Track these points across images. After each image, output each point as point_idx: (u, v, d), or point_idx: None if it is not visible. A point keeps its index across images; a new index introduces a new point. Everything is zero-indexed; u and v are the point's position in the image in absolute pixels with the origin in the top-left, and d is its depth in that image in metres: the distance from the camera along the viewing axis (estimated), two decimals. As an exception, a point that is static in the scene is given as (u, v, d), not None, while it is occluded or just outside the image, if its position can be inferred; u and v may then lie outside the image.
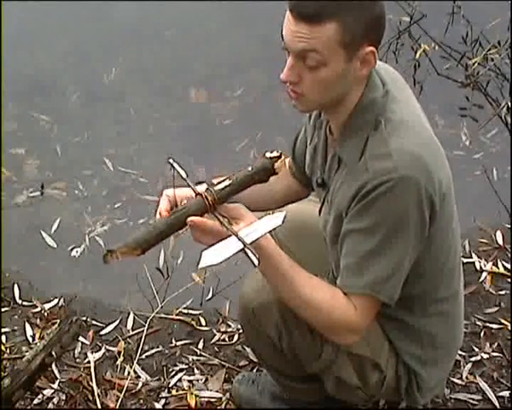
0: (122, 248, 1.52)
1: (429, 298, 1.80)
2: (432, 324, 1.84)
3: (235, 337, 2.51)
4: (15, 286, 2.73)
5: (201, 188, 1.61)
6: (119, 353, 2.45)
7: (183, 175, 1.63)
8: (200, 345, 2.49)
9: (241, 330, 2.49)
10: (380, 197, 1.56)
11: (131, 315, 2.61)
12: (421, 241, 1.63)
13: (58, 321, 2.26)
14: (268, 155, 1.61)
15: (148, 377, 2.37)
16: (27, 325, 2.56)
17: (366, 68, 1.58)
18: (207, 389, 2.32)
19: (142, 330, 2.54)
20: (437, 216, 1.62)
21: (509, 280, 2.66)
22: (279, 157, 1.60)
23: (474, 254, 2.76)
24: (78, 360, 2.43)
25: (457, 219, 1.79)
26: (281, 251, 1.64)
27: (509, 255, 2.76)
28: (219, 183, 1.59)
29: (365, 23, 1.52)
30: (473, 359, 2.38)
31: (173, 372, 2.40)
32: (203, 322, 2.59)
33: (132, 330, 2.56)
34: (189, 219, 1.54)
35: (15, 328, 2.56)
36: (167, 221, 1.57)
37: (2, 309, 2.63)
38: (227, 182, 1.59)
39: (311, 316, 1.69)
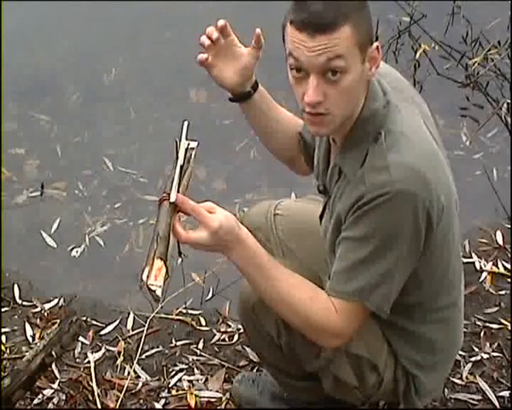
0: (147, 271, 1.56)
1: (429, 306, 1.80)
2: (432, 330, 1.83)
3: (235, 337, 2.51)
4: (15, 286, 2.72)
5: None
6: (119, 353, 2.45)
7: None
8: (200, 345, 2.49)
9: (241, 330, 2.49)
10: (375, 210, 1.55)
11: (131, 315, 2.61)
12: (414, 254, 1.62)
13: (58, 321, 2.27)
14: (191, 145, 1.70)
15: (148, 377, 2.37)
16: (27, 325, 2.56)
17: (374, 67, 1.57)
18: (207, 389, 2.32)
19: (142, 330, 2.53)
20: (435, 230, 1.61)
21: (509, 280, 2.66)
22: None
23: (474, 254, 2.76)
24: (78, 360, 2.43)
25: (459, 228, 1.77)
26: (260, 246, 1.64)
27: (509, 255, 2.76)
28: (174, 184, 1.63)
29: (368, 19, 1.54)
30: (473, 359, 2.38)
31: (173, 372, 2.40)
32: (203, 322, 2.59)
33: (132, 330, 2.56)
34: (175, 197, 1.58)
35: (15, 328, 2.56)
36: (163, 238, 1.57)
37: (2, 309, 2.63)
38: (176, 180, 1.64)
39: (288, 315, 1.69)
